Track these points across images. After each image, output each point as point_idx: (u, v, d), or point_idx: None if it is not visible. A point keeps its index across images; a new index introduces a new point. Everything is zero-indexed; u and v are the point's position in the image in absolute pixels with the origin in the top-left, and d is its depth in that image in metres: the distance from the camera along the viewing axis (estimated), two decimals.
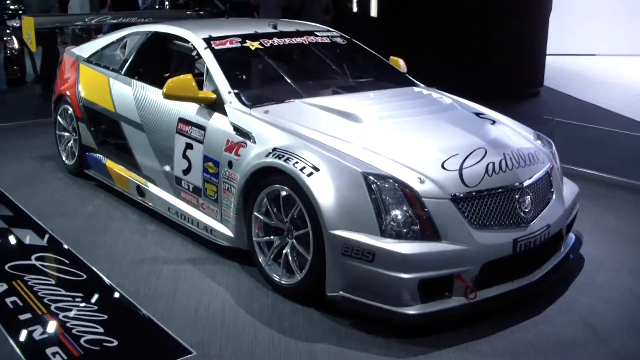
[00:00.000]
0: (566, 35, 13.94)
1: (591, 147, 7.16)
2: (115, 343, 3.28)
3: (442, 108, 4.47)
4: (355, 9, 19.12)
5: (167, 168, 4.74)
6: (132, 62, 5.40)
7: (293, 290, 3.74)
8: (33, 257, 4.27)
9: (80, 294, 3.77)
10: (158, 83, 4.74)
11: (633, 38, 14.79)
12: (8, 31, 11.23)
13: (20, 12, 17.52)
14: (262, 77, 4.83)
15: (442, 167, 3.59)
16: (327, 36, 5.33)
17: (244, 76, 4.74)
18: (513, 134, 4.25)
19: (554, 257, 3.99)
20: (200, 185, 4.40)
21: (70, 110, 5.97)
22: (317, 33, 5.29)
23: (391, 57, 5.53)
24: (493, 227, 3.55)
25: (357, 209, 3.43)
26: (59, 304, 3.64)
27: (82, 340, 3.27)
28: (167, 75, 5.24)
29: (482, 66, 10.24)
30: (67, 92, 6.01)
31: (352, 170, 3.50)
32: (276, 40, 4.93)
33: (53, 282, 3.93)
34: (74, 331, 3.36)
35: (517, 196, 3.67)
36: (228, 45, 4.76)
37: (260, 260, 3.95)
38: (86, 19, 7.18)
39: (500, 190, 3.62)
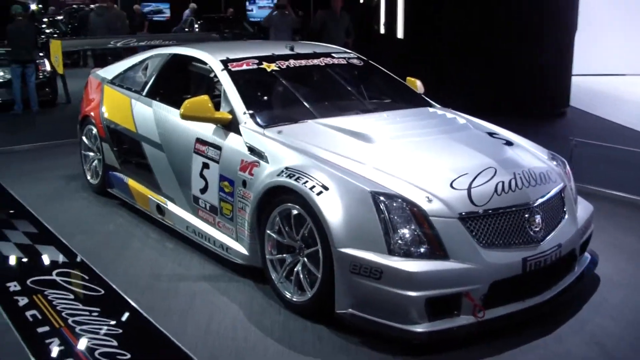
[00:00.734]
0: (593, 55, 13.88)
1: (615, 167, 7.11)
2: (128, 356, 3.36)
3: (454, 128, 4.51)
4: (382, 31, 19.33)
5: (185, 187, 4.84)
6: (152, 83, 5.55)
7: (304, 307, 3.80)
8: (54, 272, 4.39)
9: (97, 309, 3.87)
10: (177, 104, 4.85)
11: None
12: (41, 54, 11.54)
13: (55, 35, 18.02)
14: (277, 98, 4.92)
15: (451, 186, 3.63)
16: (344, 57, 5.41)
17: (259, 97, 4.84)
18: (525, 153, 4.27)
19: (567, 276, 3.98)
20: (217, 204, 4.49)
21: (95, 131, 6.13)
22: (334, 54, 5.38)
23: (408, 78, 5.59)
24: (502, 246, 3.57)
25: (365, 227, 3.48)
26: (76, 318, 3.74)
27: (96, 353, 3.37)
28: (186, 96, 5.37)
29: (507, 86, 10.26)
30: (92, 113, 6.18)
31: (361, 189, 3.56)
32: (292, 62, 5.03)
33: (72, 297, 4.03)
34: (89, 344, 3.45)
35: (526, 215, 3.69)
36: (244, 67, 4.87)
37: (272, 277, 4.02)
38: (112, 42, 7.36)
39: (509, 209, 3.64)
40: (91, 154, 6.30)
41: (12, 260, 4.66)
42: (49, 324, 3.67)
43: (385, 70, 5.55)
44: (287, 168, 3.90)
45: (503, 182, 3.72)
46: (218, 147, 4.49)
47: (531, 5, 10.14)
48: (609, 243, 4.97)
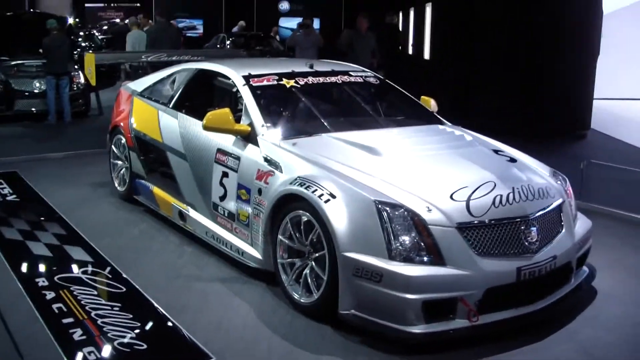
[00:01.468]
0: (616, 79, 13.96)
1: (627, 188, 7.24)
2: (145, 346, 3.64)
3: (460, 144, 4.74)
4: (410, 52, 19.63)
5: (206, 195, 5.13)
6: (179, 96, 5.86)
7: (310, 308, 4.04)
8: (80, 270, 4.70)
9: (119, 304, 4.16)
10: (201, 116, 5.14)
11: None
12: (75, 67, 11.98)
13: (90, 49, 18.58)
14: (293, 112, 5.19)
15: (451, 197, 3.87)
16: (361, 76, 5.68)
17: (277, 111, 5.11)
18: (527, 170, 4.48)
19: (562, 288, 4.18)
20: (234, 211, 4.77)
21: (123, 140, 6.46)
22: (351, 73, 5.66)
23: (422, 97, 5.82)
24: (497, 255, 3.79)
25: (368, 233, 3.73)
26: (99, 312, 4.03)
27: (115, 343, 3.65)
28: (210, 109, 5.66)
29: (531, 108, 10.43)
30: (121, 123, 6.52)
31: (366, 198, 3.81)
32: (311, 79, 5.31)
33: (95, 293, 4.33)
34: (109, 335, 3.74)
35: (522, 227, 3.90)
36: (265, 83, 5.16)
37: (283, 280, 4.27)
38: (142, 57, 7.72)
39: (505, 221, 3.86)
40: (119, 162, 6.63)
41: (42, 259, 4.97)
42: (73, 316, 3.97)
43: (400, 89, 5.80)
44: (299, 177, 4.16)
45: (501, 196, 3.94)
46: (237, 157, 4.77)
47: (555, 29, 10.33)
48: (613, 260, 5.14)
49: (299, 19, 16.93)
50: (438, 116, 5.55)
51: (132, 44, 12.37)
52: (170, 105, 5.89)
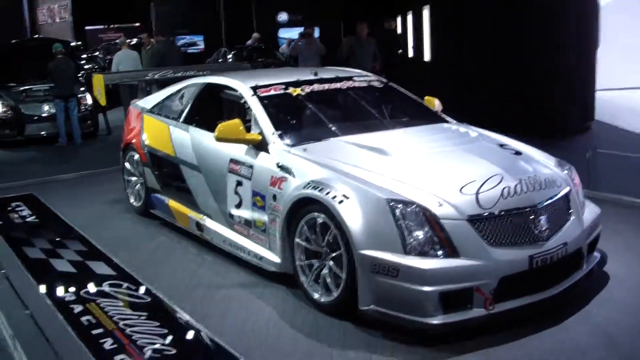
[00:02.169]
0: (617, 69, 14.05)
1: (633, 175, 7.31)
2: (174, 352, 3.77)
3: (466, 141, 4.88)
4: (411, 55, 19.83)
5: (222, 204, 5.26)
6: (189, 111, 6.02)
7: (331, 306, 4.17)
8: (104, 284, 4.83)
9: (145, 313, 4.29)
10: (212, 128, 5.28)
11: None
12: (82, 89, 12.17)
13: (95, 70, 18.78)
14: (302, 119, 5.33)
15: (460, 192, 4.00)
16: (365, 80, 5.83)
17: (285, 119, 5.26)
18: (533, 161, 4.60)
19: (575, 273, 4.29)
20: (250, 218, 4.90)
21: (137, 157, 6.61)
22: (355, 78, 5.80)
23: (426, 97, 5.95)
24: (509, 244, 3.92)
25: (383, 230, 3.86)
26: (127, 321, 4.16)
27: (145, 350, 3.78)
28: (220, 121, 5.80)
29: (533, 103, 10.50)
30: (133, 141, 6.67)
31: (378, 197, 3.95)
32: (316, 86, 5.46)
33: (121, 304, 4.47)
34: (138, 342, 3.87)
35: (532, 217, 4.02)
36: (272, 92, 5.31)
37: (302, 281, 4.40)
38: (149, 74, 7.88)
39: (514, 211, 3.98)
40: (134, 178, 6.78)
41: (66, 275, 5.11)
42: (102, 327, 4.11)
43: (404, 91, 5.94)
44: (312, 181, 4.30)
45: (509, 187, 4.07)
46: (250, 166, 4.91)
47: (553, 21, 10.43)
48: (623, 245, 5.24)
49: (299, 29, 17.13)
50: (442, 115, 5.68)
51: (117, 63, 12.46)
52: (181, 120, 6.04)
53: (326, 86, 5.52)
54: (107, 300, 4.52)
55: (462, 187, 4.03)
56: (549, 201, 4.19)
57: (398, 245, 3.80)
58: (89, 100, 12.00)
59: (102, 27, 32.09)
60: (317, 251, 4.31)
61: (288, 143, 4.79)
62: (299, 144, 4.76)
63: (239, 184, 5.02)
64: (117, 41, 17.14)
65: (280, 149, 4.76)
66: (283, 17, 26.09)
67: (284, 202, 4.47)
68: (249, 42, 20.78)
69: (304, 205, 4.31)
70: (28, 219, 6.76)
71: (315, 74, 5.70)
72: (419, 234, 3.81)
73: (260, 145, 4.90)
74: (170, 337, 3.95)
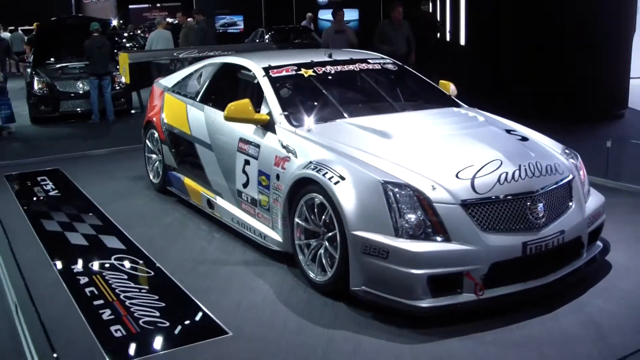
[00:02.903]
0: None
1: None
2: (167, 324, 3.89)
3: (472, 125, 4.85)
4: (448, 38, 19.66)
5: (231, 183, 5.35)
6: (205, 90, 6.10)
7: (325, 286, 4.23)
8: (112, 257, 4.98)
9: (146, 287, 4.43)
10: (224, 108, 5.35)
11: None
12: (117, 67, 12.37)
13: (135, 48, 19.05)
14: (311, 100, 5.36)
15: (456, 176, 3.99)
16: (379, 63, 5.82)
17: (294, 100, 5.30)
18: (537, 148, 4.56)
19: (573, 262, 4.26)
20: (256, 197, 4.98)
21: (156, 135, 6.74)
22: (369, 60, 5.80)
23: (441, 81, 5.92)
24: (503, 230, 3.90)
25: (376, 212, 3.89)
26: (127, 294, 4.30)
27: (140, 321, 3.91)
28: (233, 101, 5.88)
29: (567, 90, 10.35)
30: (154, 119, 6.80)
31: (373, 178, 3.97)
32: (329, 68, 5.48)
33: (125, 277, 4.60)
34: (135, 314, 4.00)
35: (528, 203, 4.00)
36: (284, 73, 5.35)
37: (300, 260, 4.47)
38: (174, 54, 7.99)
39: (510, 197, 3.97)
40: (153, 155, 6.92)
41: (78, 248, 5.28)
42: (103, 298, 4.26)
43: (418, 74, 5.92)
44: (312, 162, 4.35)
45: (507, 173, 4.05)
46: (257, 145, 4.97)
47: (589, 8, 10.23)
48: (631, 235, 5.17)
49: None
50: (454, 99, 5.65)
51: (150, 42, 12.95)
52: (198, 99, 6.13)
53: (339, 68, 5.54)
54: (113, 273, 4.68)
55: (458, 172, 4.02)
56: (548, 188, 4.15)
57: (390, 227, 3.83)
58: (123, 78, 12.18)
59: (146, 5, 32.52)
60: (315, 231, 4.37)
61: (294, 124, 4.84)
62: (305, 124, 4.81)
63: (247, 163, 5.09)
64: (155, 21, 17.41)
65: (285, 130, 4.81)
66: None
67: (286, 182, 4.53)
68: (304, 22, 20.84)
69: (304, 186, 4.37)
70: (51, 193, 6.98)
71: (330, 56, 5.72)
72: (411, 217, 3.83)
73: (268, 126, 4.96)
74: (165, 310, 4.07)
